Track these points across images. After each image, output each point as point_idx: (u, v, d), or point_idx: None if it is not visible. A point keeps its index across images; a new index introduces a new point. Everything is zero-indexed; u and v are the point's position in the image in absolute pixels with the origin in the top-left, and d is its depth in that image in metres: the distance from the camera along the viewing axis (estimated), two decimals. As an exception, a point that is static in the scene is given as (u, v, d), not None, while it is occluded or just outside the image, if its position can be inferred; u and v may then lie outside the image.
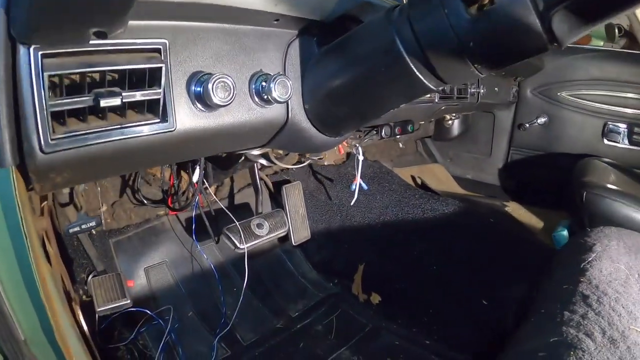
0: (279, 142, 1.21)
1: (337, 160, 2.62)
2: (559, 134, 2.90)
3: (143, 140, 0.87)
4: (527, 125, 2.94)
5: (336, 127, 1.19)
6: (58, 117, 0.76)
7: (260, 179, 2.14)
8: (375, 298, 2.06)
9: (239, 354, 1.80)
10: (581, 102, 2.78)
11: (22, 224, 0.93)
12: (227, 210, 1.89)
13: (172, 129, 0.89)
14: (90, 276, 1.60)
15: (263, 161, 1.54)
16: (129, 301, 1.52)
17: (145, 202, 1.98)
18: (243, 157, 1.46)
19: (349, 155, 2.66)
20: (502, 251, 2.01)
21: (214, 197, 1.99)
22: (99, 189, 1.85)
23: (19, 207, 0.92)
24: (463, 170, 3.35)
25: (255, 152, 1.41)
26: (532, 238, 2.22)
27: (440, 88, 1.02)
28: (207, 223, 1.96)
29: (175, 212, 2.02)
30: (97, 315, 1.56)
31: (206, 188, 1.92)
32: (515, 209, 2.78)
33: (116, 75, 0.80)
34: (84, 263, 1.72)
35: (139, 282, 1.93)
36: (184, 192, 1.90)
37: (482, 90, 2.29)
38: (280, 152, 1.53)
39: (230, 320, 1.90)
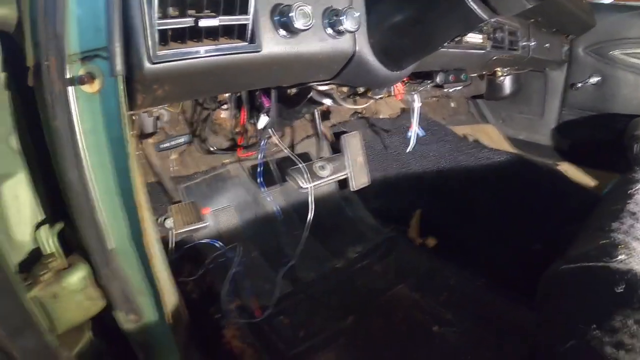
0: (346, 75, 1.30)
1: (393, 114, 2.69)
2: (612, 93, 2.85)
3: (234, 59, 0.99)
4: (580, 85, 2.91)
5: (398, 60, 1.28)
6: (162, 37, 0.87)
7: (322, 132, 2.24)
8: (431, 242, 2.13)
9: (300, 290, 1.91)
10: (635, 62, 2.73)
11: (125, 135, 1.02)
12: (291, 154, 1.99)
13: (259, 50, 1.01)
14: (169, 204, 1.71)
15: (328, 101, 1.62)
16: (206, 223, 1.64)
17: (212, 150, 2.09)
18: (310, 94, 1.55)
19: (403, 110, 2.73)
20: (554, 202, 2.03)
21: (279, 141, 2.09)
22: None
23: (122, 118, 1.00)
24: (515, 131, 3.34)
25: (322, 87, 1.49)
26: (584, 192, 2.25)
27: (493, 19, 1.09)
28: (272, 167, 2.07)
29: (242, 155, 2.14)
30: (170, 244, 1.72)
31: (269, 137, 2.03)
32: (567, 169, 2.75)
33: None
34: (156, 207, 1.84)
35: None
36: (250, 140, 2.00)
37: (532, 44, 2.30)
38: (345, 90, 1.60)
39: (293, 260, 2.00)
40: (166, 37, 0.88)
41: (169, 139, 1.43)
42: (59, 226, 1.29)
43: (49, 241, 1.25)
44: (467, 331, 1.66)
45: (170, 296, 1.29)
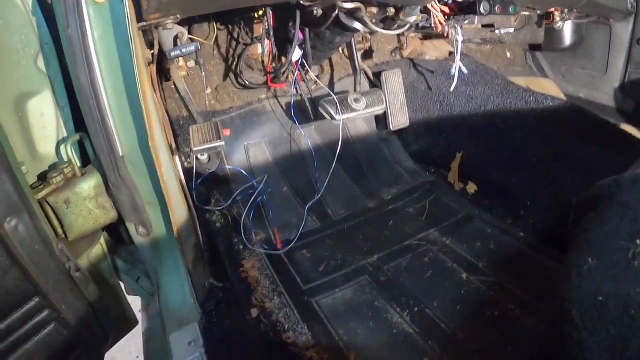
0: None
1: (440, 57, 2.55)
2: (683, 50, 2.54)
3: None
4: (647, 40, 2.62)
5: None
6: None
7: (361, 68, 2.16)
8: (472, 188, 2.01)
9: (328, 226, 1.86)
10: None
11: (131, 40, 1.03)
12: (325, 87, 1.94)
13: None
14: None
15: (358, 25, 1.53)
16: (222, 143, 1.62)
17: (248, 84, 2.06)
18: (336, 13, 1.47)
19: (451, 53, 2.59)
20: (611, 153, 1.85)
21: (312, 76, 2.03)
22: (203, 73, 1.97)
23: (128, 23, 1.03)
24: (575, 87, 3.08)
25: (348, 5, 1.41)
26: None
27: None
28: (306, 101, 2.02)
29: (272, 85, 2.09)
30: (194, 170, 1.72)
31: (307, 72, 1.97)
32: (631, 132, 2.56)
33: None
34: (188, 139, 1.84)
35: (238, 157, 2.05)
36: (284, 73, 1.95)
37: None
38: (374, 11, 1.51)
39: (321, 196, 1.97)
40: None
41: (179, 46, 1.40)
42: (76, 137, 1.33)
43: (66, 151, 1.29)
44: (498, 284, 1.54)
45: (179, 210, 1.29)
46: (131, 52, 1.08)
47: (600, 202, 1.04)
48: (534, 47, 3.15)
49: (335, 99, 1.85)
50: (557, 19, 2.64)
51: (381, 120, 2.28)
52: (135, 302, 1.68)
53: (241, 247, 1.68)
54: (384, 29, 1.56)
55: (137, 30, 1.09)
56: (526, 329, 1.36)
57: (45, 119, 1.34)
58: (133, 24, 1.06)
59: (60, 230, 1.27)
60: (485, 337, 1.37)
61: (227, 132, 1.96)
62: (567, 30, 2.82)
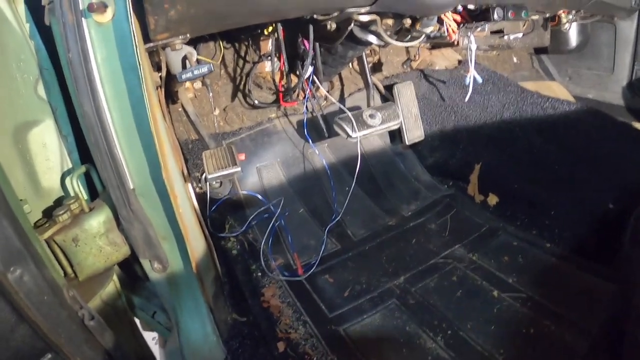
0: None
1: (449, 66, 2.49)
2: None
3: None
4: (653, 36, 2.57)
5: None
6: None
7: (373, 83, 2.10)
8: (493, 199, 1.94)
9: (349, 248, 1.78)
10: None
11: (138, 62, 0.96)
12: (337, 103, 1.88)
13: None
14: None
15: (373, 38, 1.47)
16: (239, 169, 1.55)
17: (257, 104, 2.00)
18: (351, 27, 1.40)
19: (460, 62, 2.53)
20: (631, 152, 1.79)
21: (324, 92, 1.97)
22: (210, 94, 1.90)
23: (135, 43, 0.95)
24: (583, 88, 3.03)
25: (364, 17, 1.34)
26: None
27: None
28: (319, 117, 1.96)
29: (285, 104, 2.03)
30: (207, 197, 1.66)
31: (317, 88, 1.91)
32: (642, 130, 2.51)
33: None
34: (198, 163, 1.77)
35: (251, 180, 1.98)
36: (296, 90, 1.88)
37: None
38: (390, 23, 1.45)
39: (340, 216, 1.90)
40: None
41: (190, 68, 1.33)
42: (82, 169, 1.26)
43: (72, 185, 1.22)
44: (530, 299, 1.47)
45: (197, 243, 1.21)
46: (139, 75, 0.99)
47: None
48: (540, 51, 3.11)
49: (350, 116, 1.79)
50: (564, 20, 2.58)
51: (395, 134, 2.23)
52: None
53: (259, 274, 1.60)
54: (397, 40, 1.50)
55: (144, 52, 1.01)
56: (565, 345, 1.30)
57: (48, 149, 1.28)
58: (140, 44, 0.98)
59: (69, 270, 1.21)
60: (523, 357, 1.31)
61: (242, 157, 1.89)
62: (572, 32, 2.78)
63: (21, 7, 1.18)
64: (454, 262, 1.66)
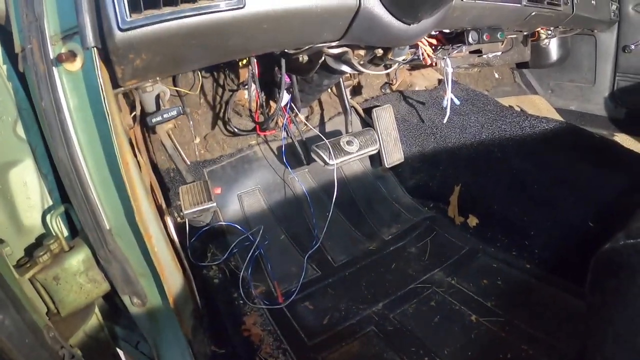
0: (356, 33, 1.18)
1: (429, 86, 2.52)
2: (669, 54, 2.54)
3: (215, 17, 0.91)
4: (633, 46, 2.65)
5: (412, 10, 1.14)
6: (133, 5, 0.82)
7: (351, 106, 2.12)
8: (473, 221, 1.97)
9: (329, 274, 1.80)
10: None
11: (107, 111, 0.98)
12: (315, 130, 1.90)
13: (242, 6, 0.92)
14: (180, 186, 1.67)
15: (346, 68, 1.50)
16: (214, 204, 1.57)
17: (237, 131, 2.02)
18: (323, 59, 1.43)
19: (440, 81, 2.56)
20: (612, 173, 1.81)
21: (302, 119, 1.99)
22: (191, 122, 1.93)
23: (102, 93, 0.98)
24: (565, 101, 3.09)
25: (334, 50, 1.37)
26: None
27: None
28: (297, 144, 2.00)
29: (262, 133, 2.06)
30: (187, 227, 1.66)
31: (296, 115, 1.94)
32: (624, 140, 2.53)
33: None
34: (179, 193, 1.79)
35: (232, 207, 2.00)
36: (273, 119, 1.90)
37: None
38: (362, 53, 1.48)
39: (321, 242, 1.92)
40: (138, 5, 0.83)
41: (159, 112, 1.36)
42: (60, 209, 1.29)
43: (51, 223, 1.25)
44: (509, 323, 1.49)
45: (173, 279, 1.23)
46: (107, 120, 1.01)
47: (621, 272, 0.98)
48: (521, 65, 3.17)
49: (328, 144, 1.81)
50: (543, 36, 2.64)
51: (375, 157, 2.25)
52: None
53: (241, 302, 1.62)
54: (372, 68, 1.53)
55: (113, 99, 1.03)
56: (541, 369, 1.30)
57: (29, 188, 1.29)
58: (108, 93, 1.00)
59: (52, 306, 1.22)
60: (500, 382, 1.31)
61: (218, 191, 1.92)
62: (553, 46, 2.84)
63: (-2, 51, 1.20)
64: (433, 287, 1.68)
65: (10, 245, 1.21)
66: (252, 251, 1.80)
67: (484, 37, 1.67)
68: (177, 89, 1.86)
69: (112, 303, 1.47)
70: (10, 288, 0.98)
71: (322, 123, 2.30)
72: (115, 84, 1.06)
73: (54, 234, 1.25)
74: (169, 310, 1.25)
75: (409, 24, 1.18)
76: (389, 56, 1.46)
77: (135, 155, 1.22)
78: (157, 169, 1.90)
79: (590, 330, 1.02)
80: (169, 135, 1.79)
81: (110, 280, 1.26)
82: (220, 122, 2.07)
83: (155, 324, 1.30)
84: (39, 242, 1.29)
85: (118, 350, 1.52)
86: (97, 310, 1.37)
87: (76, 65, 1.01)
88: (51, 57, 0.99)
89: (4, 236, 1.22)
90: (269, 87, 1.83)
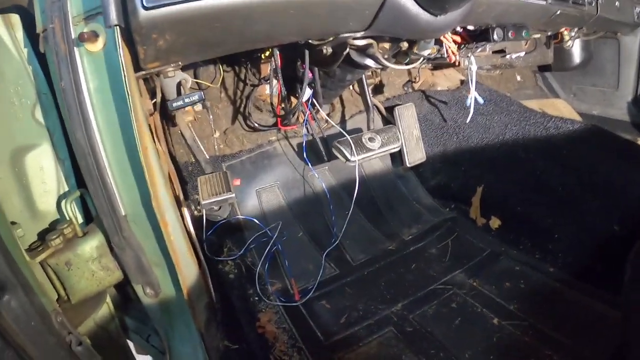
0: (382, 24, 1.15)
1: (451, 86, 2.48)
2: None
3: (238, 1, 0.88)
4: (657, 51, 2.55)
5: (440, 0, 1.10)
6: None
7: (373, 104, 2.09)
8: (495, 222, 1.91)
9: (347, 273, 1.76)
10: None
11: (127, 92, 0.96)
12: (337, 126, 1.87)
13: None
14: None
15: (370, 62, 1.46)
16: (233, 195, 1.53)
17: (257, 126, 2.00)
18: (347, 51, 1.40)
19: (462, 82, 2.52)
20: (636, 173, 1.76)
21: (323, 115, 1.96)
22: (211, 116, 1.91)
23: (124, 73, 0.95)
24: (588, 105, 3.00)
25: (359, 42, 1.33)
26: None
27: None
28: (318, 141, 1.97)
29: (283, 128, 2.03)
30: (203, 220, 1.63)
31: (317, 111, 1.91)
32: (648, 146, 2.46)
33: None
34: (197, 186, 1.77)
35: (250, 202, 1.97)
36: (294, 114, 1.88)
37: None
38: (387, 46, 1.44)
39: (339, 240, 1.88)
40: None
41: (181, 97, 1.33)
42: (76, 194, 1.27)
43: (66, 208, 1.23)
44: (532, 327, 1.43)
45: (188, 270, 1.20)
46: (127, 101, 0.99)
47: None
48: (543, 68, 3.11)
49: (349, 139, 1.78)
50: (566, 38, 2.57)
51: (396, 156, 2.20)
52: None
53: (256, 298, 1.58)
54: (396, 63, 1.49)
55: (134, 81, 1.01)
56: (568, 375, 1.25)
57: (45, 173, 1.28)
58: (130, 74, 0.98)
59: (63, 293, 1.20)
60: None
61: (237, 182, 1.89)
62: (576, 49, 2.78)
63: (20, 34, 1.20)
64: (454, 288, 1.63)
65: (23, 229, 1.20)
66: (269, 247, 1.76)
67: (509, 34, 1.63)
68: (198, 81, 1.84)
69: (124, 293, 1.44)
70: (20, 270, 0.96)
71: (343, 121, 2.27)
72: (137, 67, 1.04)
73: (68, 219, 1.23)
74: (182, 302, 1.23)
75: (436, 15, 1.14)
76: (415, 50, 1.42)
77: (154, 143, 1.20)
78: (175, 161, 1.88)
79: (632, 329, 0.96)
80: (189, 127, 1.77)
81: (124, 269, 1.23)
82: (240, 117, 2.05)
83: (168, 315, 1.27)
84: (53, 227, 1.26)
85: (128, 341, 1.50)
86: (108, 300, 1.35)
87: (98, 45, 0.99)
88: (73, 37, 0.98)
89: (18, 219, 1.21)
90: (291, 82, 1.80)
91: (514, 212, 1.88)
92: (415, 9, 1.10)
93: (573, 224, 1.72)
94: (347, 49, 1.39)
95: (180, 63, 1.15)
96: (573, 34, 2.48)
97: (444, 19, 1.17)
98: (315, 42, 1.36)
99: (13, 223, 1.17)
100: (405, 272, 1.75)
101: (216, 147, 1.99)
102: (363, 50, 1.41)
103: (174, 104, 1.33)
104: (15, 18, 1.18)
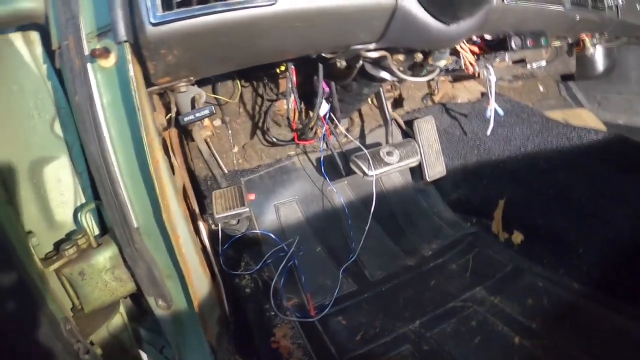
0: (393, 35, 1.15)
1: (472, 99, 2.45)
2: None
3: (245, 14, 0.90)
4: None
5: (451, 8, 1.11)
6: (168, 2, 0.84)
7: (392, 117, 2.07)
8: (518, 237, 1.86)
9: (365, 289, 1.73)
10: None
11: (137, 106, 0.97)
12: (355, 140, 1.86)
13: (273, 2, 0.90)
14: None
15: (385, 74, 1.45)
16: (247, 209, 1.52)
17: (275, 141, 2.01)
18: (360, 63, 1.39)
19: (483, 94, 2.48)
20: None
21: (342, 130, 1.95)
22: (230, 131, 1.92)
23: (133, 87, 0.97)
24: (613, 114, 2.92)
25: (373, 54, 1.32)
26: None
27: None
28: (336, 156, 1.96)
29: (300, 142, 2.02)
30: (219, 234, 1.62)
31: (336, 126, 1.91)
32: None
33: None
34: None
35: (269, 217, 1.97)
36: (312, 128, 1.87)
37: (621, 2, 1.98)
38: (401, 58, 1.43)
39: (357, 256, 1.85)
40: (171, 3, 0.84)
41: (192, 111, 1.35)
42: (91, 205, 1.28)
43: (82, 219, 1.24)
44: (556, 346, 1.38)
45: (200, 283, 1.20)
46: (137, 116, 1.01)
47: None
48: (566, 78, 3.05)
49: (367, 154, 1.77)
50: (588, 45, 2.51)
51: (416, 170, 2.18)
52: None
53: (272, 313, 1.57)
54: (412, 75, 1.48)
55: (145, 96, 1.03)
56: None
57: (63, 184, 1.30)
58: (140, 89, 1.00)
59: (77, 302, 1.22)
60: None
61: (252, 197, 1.88)
62: (598, 56, 2.73)
63: (39, 50, 1.23)
64: (474, 306, 1.59)
65: (39, 238, 1.22)
66: (285, 261, 1.75)
67: (528, 42, 1.60)
68: (216, 96, 1.86)
69: (138, 304, 1.45)
70: (32, 277, 0.97)
71: (362, 135, 2.26)
72: (148, 82, 1.05)
73: (84, 230, 1.24)
74: (193, 315, 1.22)
75: (448, 24, 1.13)
76: (429, 61, 1.41)
77: (169, 158, 1.21)
78: (194, 175, 1.90)
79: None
80: (206, 142, 1.78)
81: (136, 280, 1.23)
82: (259, 132, 2.06)
83: (180, 327, 1.26)
84: (69, 237, 1.29)
85: (141, 352, 1.50)
86: (122, 310, 1.36)
87: (110, 61, 1.01)
88: (86, 53, 1.00)
89: (35, 229, 1.23)
90: (309, 98, 1.80)
91: (537, 226, 1.83)
92: (427, 18, 1.09)
93: (598, 237, 1.66)
94: (361, 62, 1.38)
95: (192, 78, 1.17)
96: (595, 40, 2.43)
97: (456, 28, 1.16)
98: (328, 55, 1.36)
99: (29, 232, 1.19)
100: (425, 289, 1.71)
101: (235, 161, 2.01)
102: (377, 63, 1.41)
103: (185, 118, 1.35)
104: (35, 35, 1.22)
